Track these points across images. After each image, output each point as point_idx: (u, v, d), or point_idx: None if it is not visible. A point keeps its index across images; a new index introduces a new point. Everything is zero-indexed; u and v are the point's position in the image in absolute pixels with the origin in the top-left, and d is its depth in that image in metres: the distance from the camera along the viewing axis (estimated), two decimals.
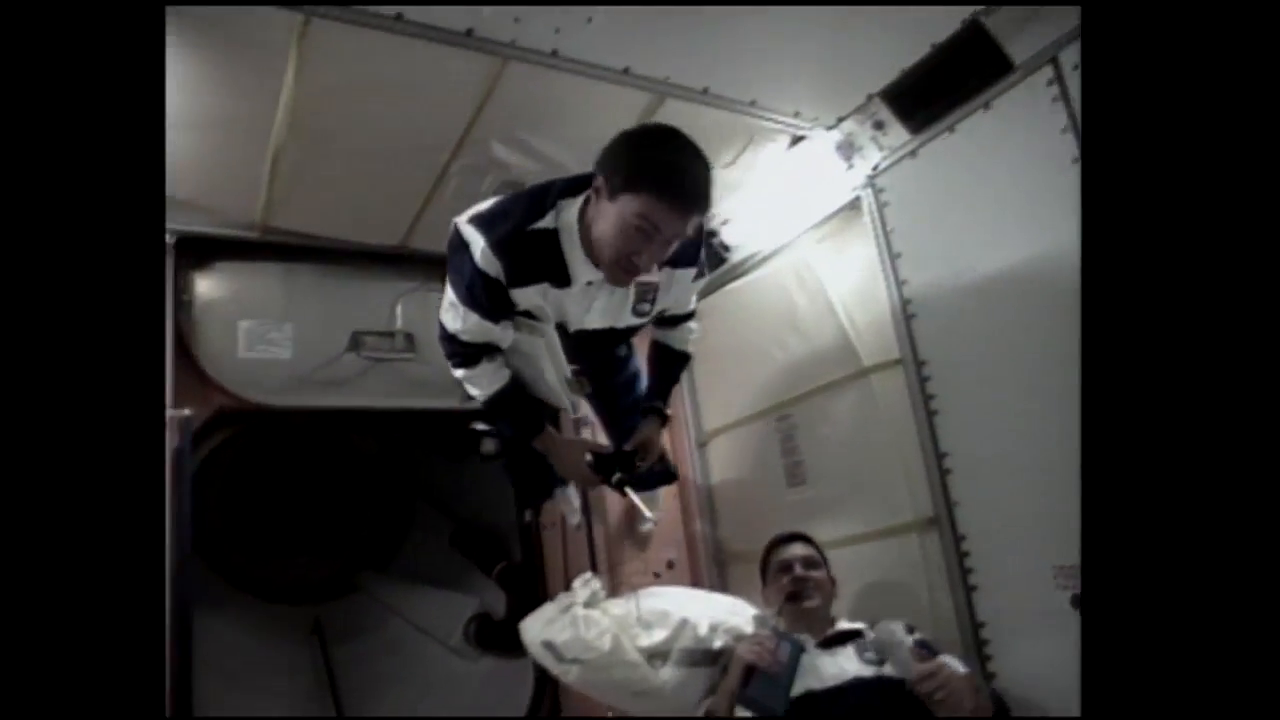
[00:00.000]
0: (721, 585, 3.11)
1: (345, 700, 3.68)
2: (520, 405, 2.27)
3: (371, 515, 4.49)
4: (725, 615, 2.45)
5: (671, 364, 2.49)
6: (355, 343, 3.09)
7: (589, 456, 2.31)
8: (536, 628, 2.46)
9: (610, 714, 3.04)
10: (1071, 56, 2.06)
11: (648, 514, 2.63)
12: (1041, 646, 2.13)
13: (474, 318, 2.04)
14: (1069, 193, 2.04)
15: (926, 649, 2.08)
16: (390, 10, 1.99)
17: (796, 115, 2.60)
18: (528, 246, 1.93)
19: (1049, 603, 2.08)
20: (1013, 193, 2.23)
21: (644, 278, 2.04)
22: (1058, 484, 2.07)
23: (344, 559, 4.37)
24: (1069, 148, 2.05)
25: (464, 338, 2.10)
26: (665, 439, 2.60)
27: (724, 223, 3.17)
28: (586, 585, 2.54)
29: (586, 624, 2.38)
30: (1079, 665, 1.97)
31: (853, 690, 2.07)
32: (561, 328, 2.17)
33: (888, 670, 2.11)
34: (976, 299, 2.32)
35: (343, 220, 2.94)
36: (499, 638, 3.61)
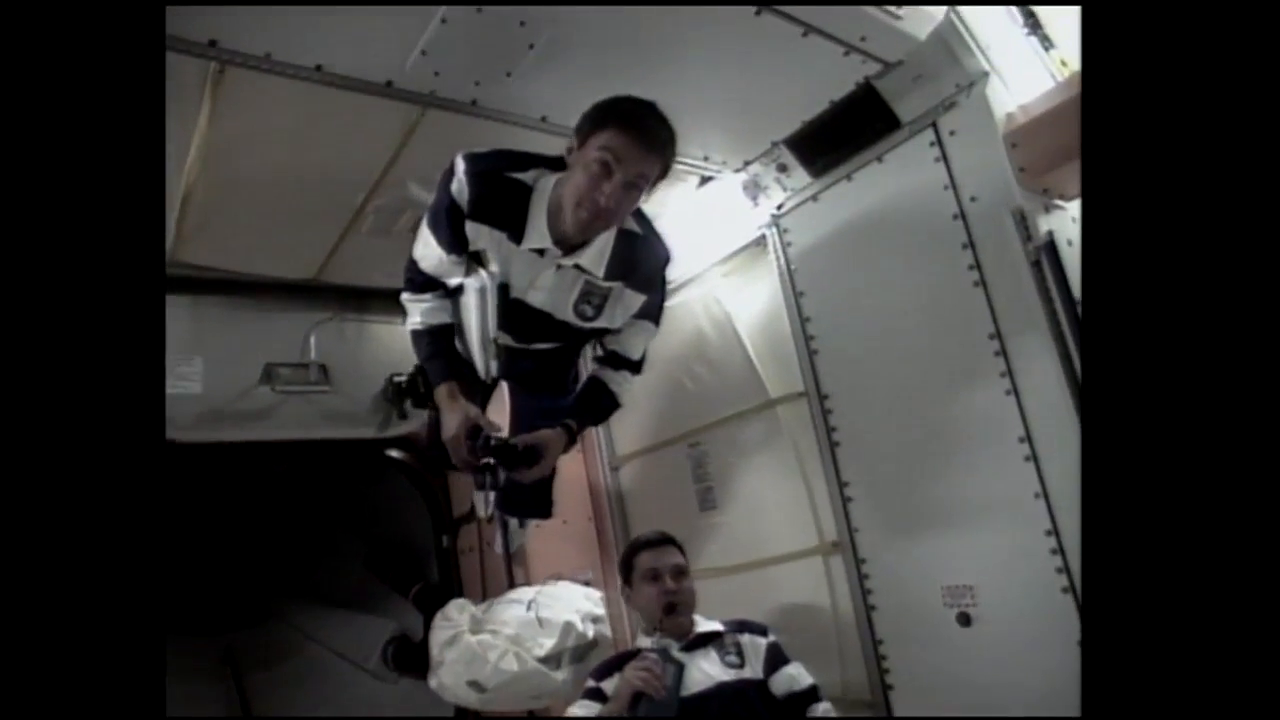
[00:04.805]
0: None
1: None
2: (441, 348, 2.36)
3: (285, 540, 4.42)
4: (585, 605, 2.81)
5: (599, 399, 2.45)
6: (268, 375, 3.06)
7: (471, 428, 2.26)
8: (458, 671, 2.53)
9: None
10: (949, 122, 2.28)
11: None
12: (931, 659, 2.33)
13: (433, 244, 2.16)
14: (951, 243, 2.24)
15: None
16: (310, 61, 2.01)
17: (706, 159, 2.72)
18: (499, 187, 2.07)
19: (938, 619, 2.28)
20: (903, 240, 2.41)
21: (592, 278, 2.13)
22: (949, 512, 2.28)
23: (257, 585, 4.29)
24: (949, 204, 2.25)
25: (421, 264, 2.24)
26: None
27: None
28: (463, 610, 2.63)
29: (486, 649, 2.49)
30: (966, 674, 2.20)
31: (717, 695, 2.23)
32: (506, 296, 2.22)
33: (747, 673, 2.29)
34: (873, 336, 2.50)
35: (254, 255, 2.92)
36: (418, 659, 3.58)
